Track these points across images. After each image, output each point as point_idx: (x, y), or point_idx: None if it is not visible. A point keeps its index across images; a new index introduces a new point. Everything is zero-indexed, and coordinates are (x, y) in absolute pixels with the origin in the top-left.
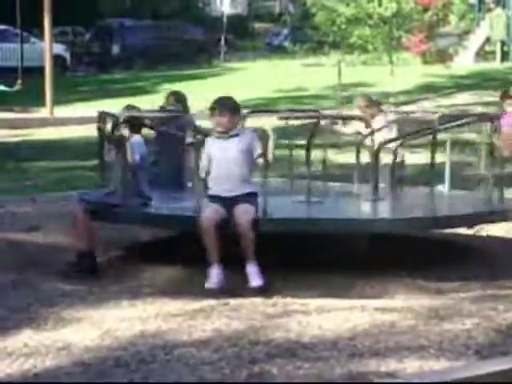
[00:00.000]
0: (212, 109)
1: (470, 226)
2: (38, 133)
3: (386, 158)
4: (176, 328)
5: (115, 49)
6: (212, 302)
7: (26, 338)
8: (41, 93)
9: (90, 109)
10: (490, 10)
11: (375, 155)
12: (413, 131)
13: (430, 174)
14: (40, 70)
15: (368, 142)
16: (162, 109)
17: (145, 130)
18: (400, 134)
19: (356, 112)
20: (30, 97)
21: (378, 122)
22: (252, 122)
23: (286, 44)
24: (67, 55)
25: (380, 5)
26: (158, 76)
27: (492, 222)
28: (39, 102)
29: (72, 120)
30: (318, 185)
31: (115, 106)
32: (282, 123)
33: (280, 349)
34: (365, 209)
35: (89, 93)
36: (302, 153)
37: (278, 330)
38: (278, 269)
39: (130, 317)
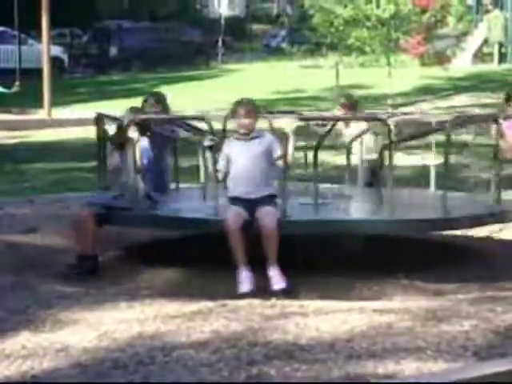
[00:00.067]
0: (234, 111)
1: (468, 228)
2: (35, 134)
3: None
4: (174, 329)
5: (113, 50)
6: (210, 303)
7: (24, 339)
8: (39, 94)
9: (87, 110)
10: (487, 11)
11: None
12: (420, 132)
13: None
14: (38, 72)
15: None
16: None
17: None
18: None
19: (338, 112)
20: (28, 98)
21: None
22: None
23: (284, 45)
24: (65, 57)
25: (378, 6)
26: (155, 78)
27: (490, 223)
28: (37, 103)
29: (70, 121)
30: (315, 187)
31: (113, 107)
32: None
33: (278, 350)
34: (369, 210)
35: (86, 94)
36: (299, 154)
37: (276, 331)
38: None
39: (128, 318)
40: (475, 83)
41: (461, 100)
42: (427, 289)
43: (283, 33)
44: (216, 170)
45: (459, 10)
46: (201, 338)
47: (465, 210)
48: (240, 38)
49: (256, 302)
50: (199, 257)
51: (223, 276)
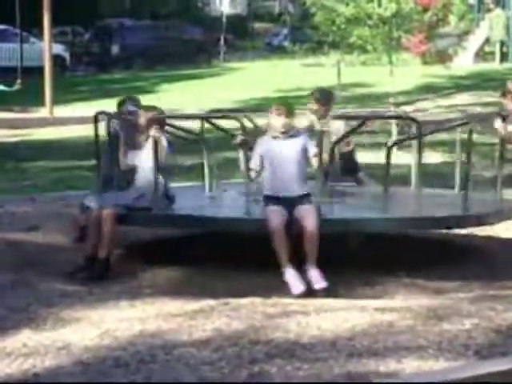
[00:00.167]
0: (272, 110)
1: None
2: (37, 133)
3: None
4: (176, 328)
5: (115, 49)
6: (212, 302)
7: (25, 337)
8: (40, 93)
9: (89, 109)
10: (489, 10)
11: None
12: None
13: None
14: (39, 70)
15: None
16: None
17: None
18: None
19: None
20: (30, 97)
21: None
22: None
23: (286, 44)
24: (67, 55)
25: (380, 5)
26: (157, 76)
27: (490, 222)
28: (38, 101)
29: (71, 120)
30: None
31: (114, 106)
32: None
33: (279, 349)
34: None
35: (88, 93)
36: None
37: (278, 330)
38: (277, 269)
39: (130, 317)
40: (477, 82)
41: (462, 99)
42: (428, 287)
43: (285, 31)
44: (248, 169)
45: (461, 9)
46: (202, 337)
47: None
48: (242, 37)
49: (257, 300)
50: (201, 255)
51: (225, 274)
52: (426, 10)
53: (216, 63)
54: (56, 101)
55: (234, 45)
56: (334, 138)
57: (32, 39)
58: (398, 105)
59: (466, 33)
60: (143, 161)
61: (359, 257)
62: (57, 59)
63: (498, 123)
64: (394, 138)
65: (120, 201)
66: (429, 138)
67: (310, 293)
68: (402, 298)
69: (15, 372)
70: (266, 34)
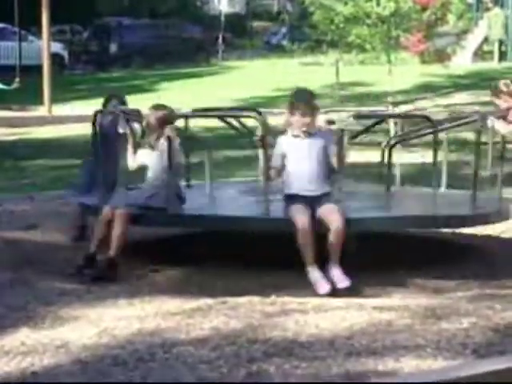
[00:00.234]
0: (295, 108)
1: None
2: (35, 131)
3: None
4: (174, 326)
5: (113, 47)
6: (210, 300)
7: (24, 336)
8: (39, 91)
9: (87, 107)
10: (488, 9)
11: None
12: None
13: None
14: (38, 69)
15: None
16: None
17: None
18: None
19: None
20: (28, 95)
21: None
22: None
23: (284, 43)
24: (65, 53)
25: (378, 4)
26: (155, 74)
27: (491, 222)
28: (37, 100)
29: (70, 118)
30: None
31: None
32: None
33: (277, 348)
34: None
35: (87, 91)
36: None
37: (276, 328)
38: (276, 267)
39: (128, 315)
40: (475, 81)
41: (461, 98)
42: (426, 286)
43: (284, 30)
44: (268, 168)
45: (459, 8)
46: (200, 335)
47: (469, 208)
48: (240, 35)
49: (256, 299)
50: (199, 254)
51: (223, 273)
52: (424, 8)
53: (214, 62)
54: (54, 99)
55: (232, 43)
56: None
57: (30, 38)
58: (396, 104)
59: (465, 32)
60: (155, 160)
61: (358, 256)
62: (55, 58)
63: (497, 123)
64: (393, 136)
65: (132, 200)
66: (426, 138)
67: (333, 292)
68: (400, 297)
69: (13, 370)
70: (265, 32)
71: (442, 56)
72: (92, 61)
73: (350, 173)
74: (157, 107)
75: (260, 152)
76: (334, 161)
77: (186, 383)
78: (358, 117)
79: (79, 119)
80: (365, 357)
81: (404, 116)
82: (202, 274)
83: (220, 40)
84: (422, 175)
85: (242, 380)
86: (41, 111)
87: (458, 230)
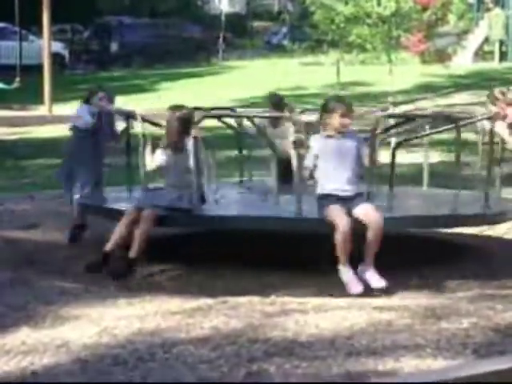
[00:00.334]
0: (334, 110)
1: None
2: (36, 130)
3: None
4: (174, 326)
5: (114, 47)
6: (210, 300)
7: (24, 335)
8: (39, 90)
9: None
10: (488, 9)
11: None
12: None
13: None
14: (38, 68)
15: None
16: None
17: None
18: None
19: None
20: (29, 95)
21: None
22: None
23: (285, 42)
24: (66, 53)
25: (379, 4)
26: (156, 74)
27: (492, 223)
28: (38, 99)
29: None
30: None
31: (119, 104)
32: None
33: (278, 347)
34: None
35: (87, 91)
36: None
37: (276, 328)
38: (277, 267)
39: (129, 315)
40: (476, 81)
41: (461, 98)
42: (426, 286)
43: (284, 30)
44: (302, 168)
45: (460, 8)
46: (201, 335)
47: (469, 208)
48: (241, 35)
49: (256, 299)
50: (199, 254)
51: (223, 273)
52: (425, 9)
53: (215, 61)
54: (55, 99)
55: (233, 43)
56: (282, 141)
57: (31, 37)
58: (396, 104)
59: (466, 32)
60: (179, 161)
61: (358, 256)
62: (56, 57)
63: (498, 126)
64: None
65: (158, 201)
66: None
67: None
68: (400, 297)
69: (13, 370)
70: (265, 32)
71: (442, 56)
72: (93, 60)
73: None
74: (176, 107)
75: (293, 153)
76: (366, 161)
77: (186, 383)
78: (392, 116)
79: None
80: (365, 357)
81: (433, 115)
82: (202, 273)
83: (220, 40)
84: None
85: (242, 380)
86: (41, 111)
87: (458, 230)
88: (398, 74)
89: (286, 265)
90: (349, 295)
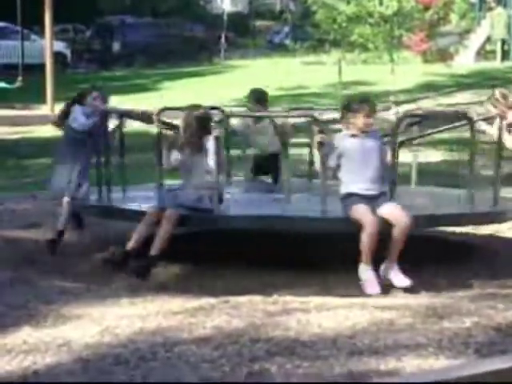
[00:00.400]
0: (359, 109)
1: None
2: (38, 130)
3: None
4: (176, 325)
5: (116, 46)
6: (212, 299)
7: (25, 334)
8: (41, 90)
9: None
10: (490, 8)
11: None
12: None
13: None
14: (41, 67)
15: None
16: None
17: None
18: None
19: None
20: (31, 94)
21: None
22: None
23: (287, 42)
24: (68, 52)
25: (381, 3)
26: (158, 73)
27: (491, 221)
28: (40, 99)
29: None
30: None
31: (115, 103)
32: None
33: (280, 347)
34: None
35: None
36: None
37: (278, 328)
38: (278, 266)
39: (130, 314)
40: (478, 80)
41: (463, 97)
42: (428, 286)
43: (286, 29)
44: (326, 167)
45: (462, 8)
46: (203, 334)
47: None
48: (243, 34)
49: (258, 298)
50: (201, 253)
51: (225, 272)
52: (427, 8)
53: (217, 61)
54: (57, 98)
55: (235, 42)
56: (261, 137)
57: (33, 36)
58: (398, 103)
59: (468, 31)
60: (198, 162)
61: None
62: (58, 56)
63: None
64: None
65: (181, 201)
66: (429, 137)
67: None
68: (401, 296)
69: (15, 369)
70: (267, 31)
71: (444, 55)
72: (95, 59)
73: None
74: (193, 107)
75: (316, 154)
76: (388, 160)
77: (187, 383)
78: (412, 116)
79: None
80: (367, 356)
81: (446, 114)
82: (203, 273)
83: (222, 39)
84: (422, 175)
85: (244, 379)
86: (43, 110)
87: (458, 230)
88: (399, 73)
89: (288, 264)
90: (350, 294)
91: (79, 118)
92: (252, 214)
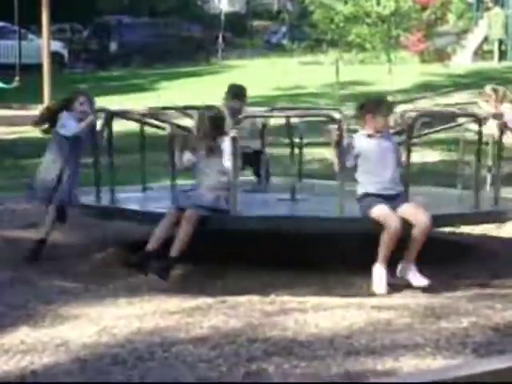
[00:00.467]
0: (375, 110)
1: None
2: (35, 130)
3: None
4: (173, 325)
5: (113, 46)
6: (209, 299)
7: (23, 334)
8: (39, 90)
9: None
10: (488, 8)
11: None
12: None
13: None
14: (38, 67)
15: None
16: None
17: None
18: None
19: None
20: (28, 94)
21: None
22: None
23: (284, 42)
24: (65, 52)
25: (378, 3)
26: (155, 73)
27: (493, 222)
28: (37, 99)
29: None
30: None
31: (113, 103)
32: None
33: (277, 347)
34: None
35: (86, 90)
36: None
37: (275, 328)
38: (278, 266)
39: (128, 314)
40: (475, 80)
41: (461, 97)
42: (426, 286)
43: (284, 29)
44: (343, 167)
45: (459, 8)
46: (200, 334)
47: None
48: (240, 34)
49: (255, 298)
50: (198, 253)
51: (222, 272)
52: (424, 8)
53: (214, 61)
54: (54, 98)
55: (232, 42)
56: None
57: (30, 36)
58: (396, 103)
59: (465, 31)
60: (213, 163)
61: (357, 255)
62: (55, 56)
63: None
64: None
65: (200, 202)
66: (427, 137)
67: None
68: (399, 296)
69: (13, 369)
70: (265, 31)
71: (441, 55)
72: (92, 59)
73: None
74: (207, 108)
75: (333, 152)
76: (403, 160)
77: (185, 383)
78: (425, 115)
79: None
80: (364, 356)
81: (459, 114)
82: (201, 273)
83: (220, 39)
84: (421, 175)
85: (241, 379)
86: (41, 110)
87: (458, 230)
88: (397, 73)
89: (288, 264)
90: (348, 294)
91: (68, 124)
92: (270, 215)
